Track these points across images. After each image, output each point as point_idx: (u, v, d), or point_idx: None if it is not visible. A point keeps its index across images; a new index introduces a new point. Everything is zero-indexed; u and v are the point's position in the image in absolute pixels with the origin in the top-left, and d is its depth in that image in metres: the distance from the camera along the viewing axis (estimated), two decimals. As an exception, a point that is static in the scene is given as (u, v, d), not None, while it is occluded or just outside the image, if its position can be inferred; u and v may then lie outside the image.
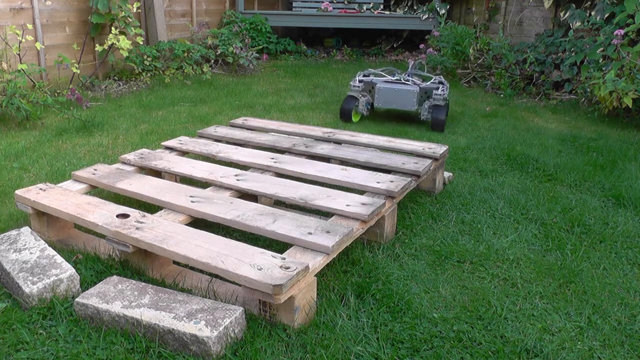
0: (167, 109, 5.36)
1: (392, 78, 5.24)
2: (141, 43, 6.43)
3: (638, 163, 3.99)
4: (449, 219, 3.01)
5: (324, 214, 2.83)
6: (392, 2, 9.14)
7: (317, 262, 2.10)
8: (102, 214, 2.40)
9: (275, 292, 1.87)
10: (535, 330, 2.07)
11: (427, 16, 8.23)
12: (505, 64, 6.65)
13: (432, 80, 5.19)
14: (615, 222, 3.02)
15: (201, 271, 2.34)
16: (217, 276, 2.26)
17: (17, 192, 2.62)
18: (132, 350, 1.87)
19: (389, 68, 5.42)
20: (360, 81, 5.14)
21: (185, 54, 6.81)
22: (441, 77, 5.20)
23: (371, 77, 5.28)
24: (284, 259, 2.03)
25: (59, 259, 2.24)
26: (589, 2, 6.50)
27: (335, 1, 9.10)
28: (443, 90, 4.91)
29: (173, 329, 1.85)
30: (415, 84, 5.02)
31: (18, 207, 2.63)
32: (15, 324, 2.00)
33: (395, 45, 9.51)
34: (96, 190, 2.95)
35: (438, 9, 8.12)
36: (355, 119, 5.14)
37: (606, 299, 2.29)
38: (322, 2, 9.03)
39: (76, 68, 5.45)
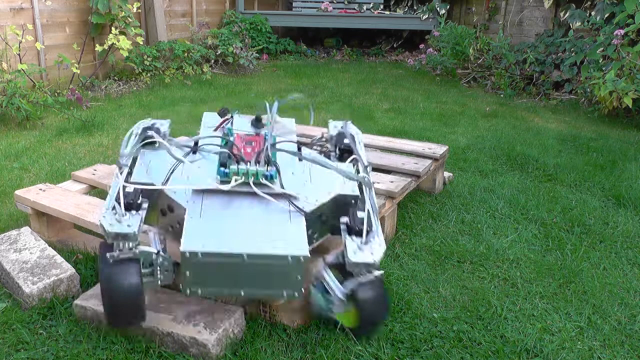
0: (167, 109, 5.36)
1: (217, 180, 1.86)
2: (141, 43, 6.43)
3: (638, 163, 3.99)
4: (449, 219, 3.01)
5: (324, 214, 2.82)
6: (392, 2, 9.13)
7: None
8: (102, 214, 2.39)
9: (275, 293, 1.86)
10: (535, 330, 2.07)
11: (427, 16, 8.22)
12: (505, 64, 6.65)
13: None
14: (615, 222, 3.02)
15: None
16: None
17: (17, 192, 2.61)
18: (132, 350, 1.87)
19: (218, 112, 2.23)
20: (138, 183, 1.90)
21: (185, 54, 6.81)
22: (351, 128, 2.31)
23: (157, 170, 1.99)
24: (283, 259, 2.02)
25: (59, 259, 2.24)
26: (589, 2, 6.50)
27: (335, 1, 9.09)
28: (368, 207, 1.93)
29: (172, 332, 1.84)
30: (291, 199, 1.86)
31: (18, 208, 2.63)
32: (15, 324, 2.00)
33: (395, 45, 9.51)
34: (96, 191, 2.94)
35: (438, 9, 8.12)
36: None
37: (606, 299, 2.29)
38: (322, 2, 9.03)
39: (76, 68, 5.45)
